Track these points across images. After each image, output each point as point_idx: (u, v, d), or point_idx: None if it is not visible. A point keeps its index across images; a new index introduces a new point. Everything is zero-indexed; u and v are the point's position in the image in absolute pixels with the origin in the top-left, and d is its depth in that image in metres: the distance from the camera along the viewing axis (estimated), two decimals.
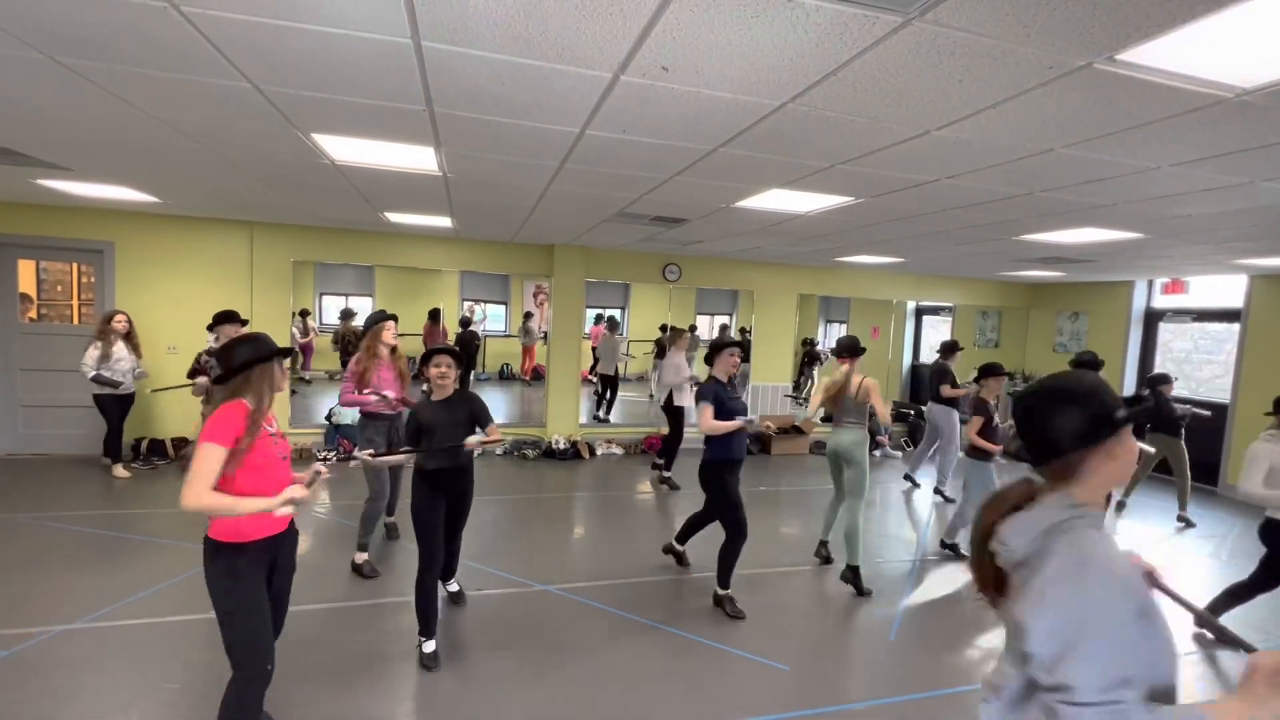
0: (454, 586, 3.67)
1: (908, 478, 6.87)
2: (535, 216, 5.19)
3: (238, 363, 2.07)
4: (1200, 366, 7.89)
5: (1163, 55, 1.72)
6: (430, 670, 2.94)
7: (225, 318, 4.79)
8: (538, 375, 11.14)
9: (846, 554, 4.12)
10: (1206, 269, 6.66)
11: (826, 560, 4.49)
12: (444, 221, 5.77)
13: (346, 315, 9.74)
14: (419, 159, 3.37)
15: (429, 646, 3.00)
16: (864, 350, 4.32)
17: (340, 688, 2.77)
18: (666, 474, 6.44)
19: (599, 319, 9.06)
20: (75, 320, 6.71)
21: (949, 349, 6.52)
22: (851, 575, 4.07)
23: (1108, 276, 7.76)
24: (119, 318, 5.48)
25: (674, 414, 6.38)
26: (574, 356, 7.70)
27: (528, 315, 11.87)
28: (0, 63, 2.25)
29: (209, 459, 1.94)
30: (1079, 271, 7.21)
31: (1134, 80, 1.88)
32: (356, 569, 3.91)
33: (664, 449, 6.65)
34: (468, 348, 10.08)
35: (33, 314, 6.59)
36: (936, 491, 6.47)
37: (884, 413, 4.14)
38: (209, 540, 2.05)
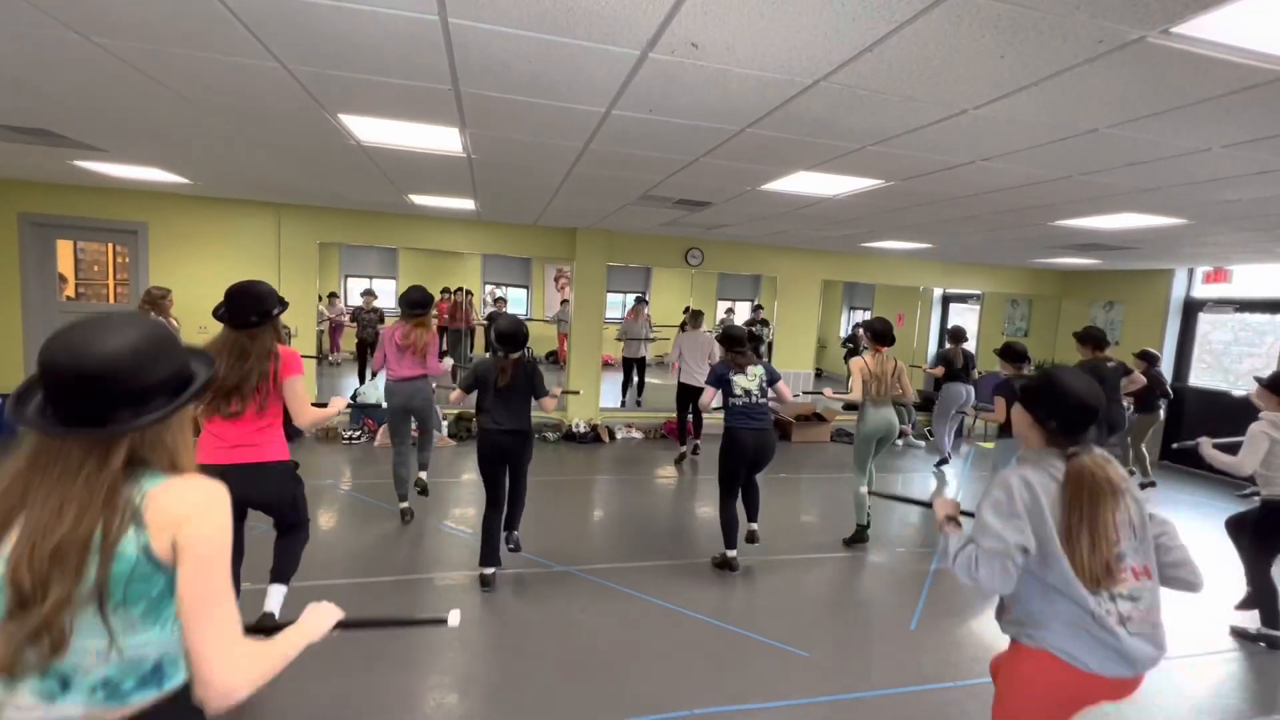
0: (514, 538, 3.84)
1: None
2: (558, 199, 5.16)
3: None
4: (1240, 359, 7.62)
5: (1222, 28, 1.63)
6: (488, 589, 3.53)
7: None
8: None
9: (862, 517, 4.44)
10: (1253, 257, 6.39)
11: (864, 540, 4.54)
12: (467, 204, 5.77)
13: (369, 294, 9.89)
14: (444, 140, 3.36)
15: (487, 570, 3.57)
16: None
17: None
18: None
19: (639, 300, 9.40)
20: (111, 299, 6.89)
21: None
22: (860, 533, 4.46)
23: (1146, 264, 7.50)
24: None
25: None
26: (595, 341, 7.70)
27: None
28: (37, 43, 2.28)
29: None
30: (1116, 259, 6.98)
31: (1189, 55, 1.79)
32: (401, 515, 4.55)
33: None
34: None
35: (69, 291, 6.77)
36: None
37: (911, 393, 4.45)
38: (288, 461, 2.66)
